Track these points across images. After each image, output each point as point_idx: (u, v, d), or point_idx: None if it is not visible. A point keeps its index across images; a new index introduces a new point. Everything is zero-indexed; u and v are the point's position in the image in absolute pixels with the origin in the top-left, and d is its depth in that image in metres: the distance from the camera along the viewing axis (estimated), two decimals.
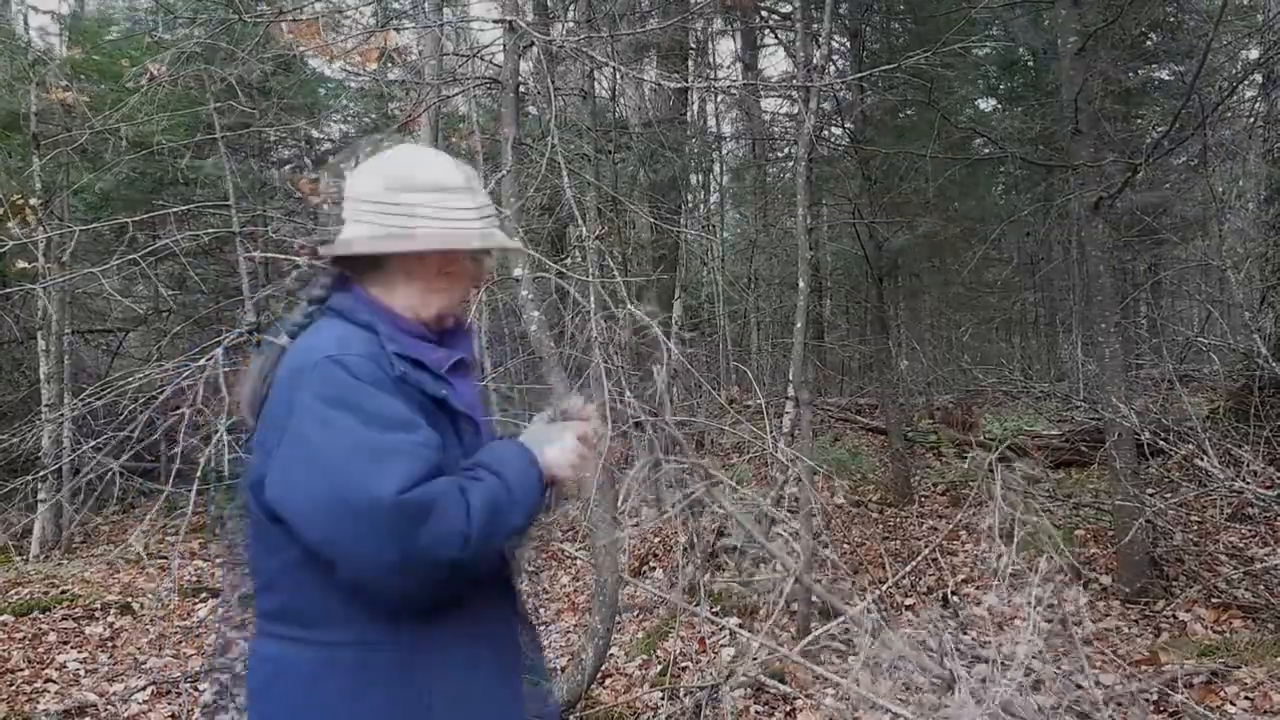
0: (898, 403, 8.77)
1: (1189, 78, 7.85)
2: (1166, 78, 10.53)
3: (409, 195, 1.51)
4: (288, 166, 9.25)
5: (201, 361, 3.61)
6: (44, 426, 7.30)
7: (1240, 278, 8.20)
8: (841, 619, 3.45)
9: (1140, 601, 5.03)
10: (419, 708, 1.42)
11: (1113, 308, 5.42)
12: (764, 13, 11.17)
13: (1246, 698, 3.69)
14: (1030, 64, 10.86)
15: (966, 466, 8.25)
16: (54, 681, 4.86)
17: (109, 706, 4.45)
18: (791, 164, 11.18)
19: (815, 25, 7.27)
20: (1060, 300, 13.78)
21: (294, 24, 5.22)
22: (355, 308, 1.52)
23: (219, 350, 3.62)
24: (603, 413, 3.04)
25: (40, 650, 5.36)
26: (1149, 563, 5.19)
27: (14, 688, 4.77)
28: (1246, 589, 4.99)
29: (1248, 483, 4.49)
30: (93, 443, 3.97)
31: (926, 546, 4.79)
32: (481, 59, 7.61)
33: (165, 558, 6.94)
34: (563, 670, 4.41)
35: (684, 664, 4.40)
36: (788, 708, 3.88)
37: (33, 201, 7.06)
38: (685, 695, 3.79)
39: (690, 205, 13.16)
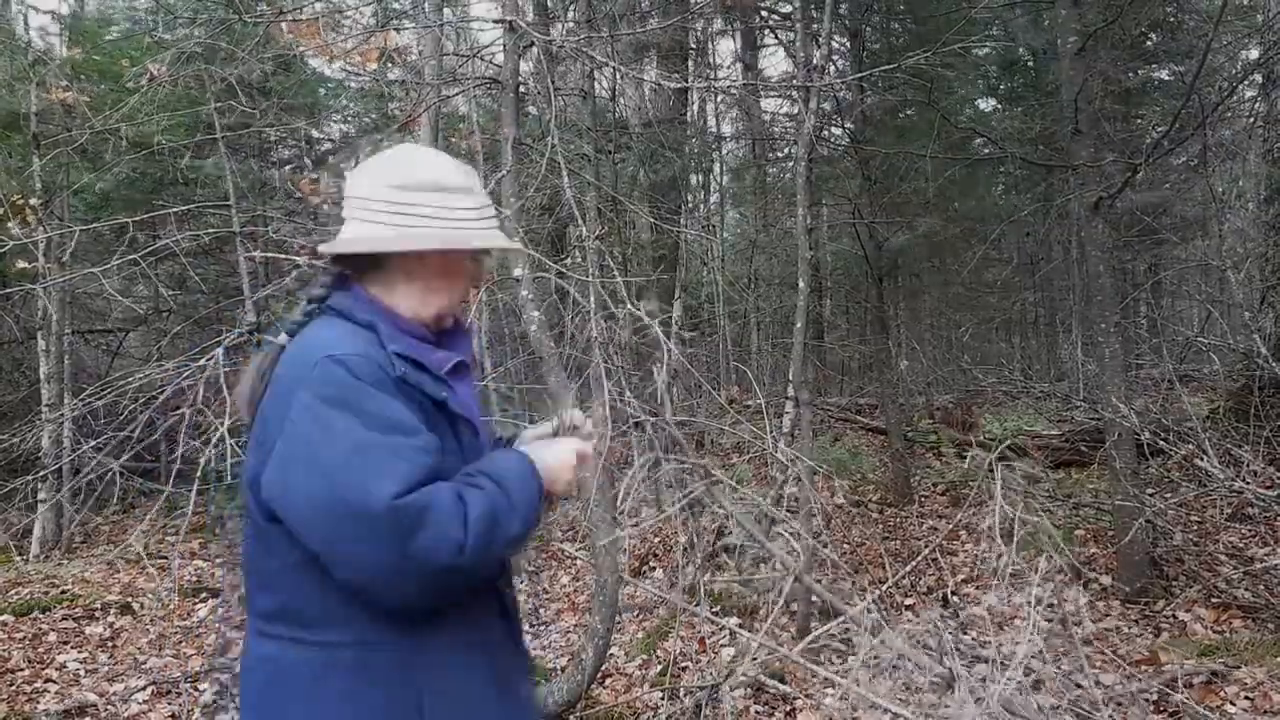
0: (898, 403, 8.77)
1: (1189, 78, 7.85)
2: (1166, 78, 10.53)
3: (410, 195, 1.51)
4: (289, 168, 9.24)
5: (201, 361, 3.62)
6: (44, 426, 7.31)
7: (1240, 278, 8.20)
8: (842, 619, 3.45)
9: (1140, 601, 5.03)
10: (412, 710, 1.42)
11: (1113, 308, 5.42)
12: (764, 13, 11.17)
13: (1246, 698, 3.69)
14: (1030, 64, 10.87)
15: (966, 466, 8.25)
16: (54, 681, 4.86)
17: (109, 706, 4.45)
18: (791, 164, 11.18)
19: (815, 25, 7.27)
20: (1060, 300, 13.78)
21: (294, 24, 5.22)
22: (355, 307, 1.52)
23: (219, 350, 3.62)
24: (603, 413, 3.04)
25: (40, 650, 5.36)
26: (1149, 563, 5.19)
27: (14, 688, 4.77)
28: (1246, 589, 4.99)
29: (1248, 483, 4.49)
30: (93, 443, 3.97)
31: (926, 546, 4.79)
32: (481, 59, 7.61)
33: (165, 558, 6.94)
34: (563, 670, 4.41)
35: (684, 664, 4.40)
36: (788, 708, 3.88)
37: (33, 201, 7.07)
38: (685, 695, 3.79)
39: (690, 205, 13.16)
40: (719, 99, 12.89)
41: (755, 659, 3.88)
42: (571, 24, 7.81)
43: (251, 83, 7.34)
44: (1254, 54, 9.52)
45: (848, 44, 9.10)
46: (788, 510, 4.85)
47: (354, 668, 1.40)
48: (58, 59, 8.37)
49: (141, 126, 6.45)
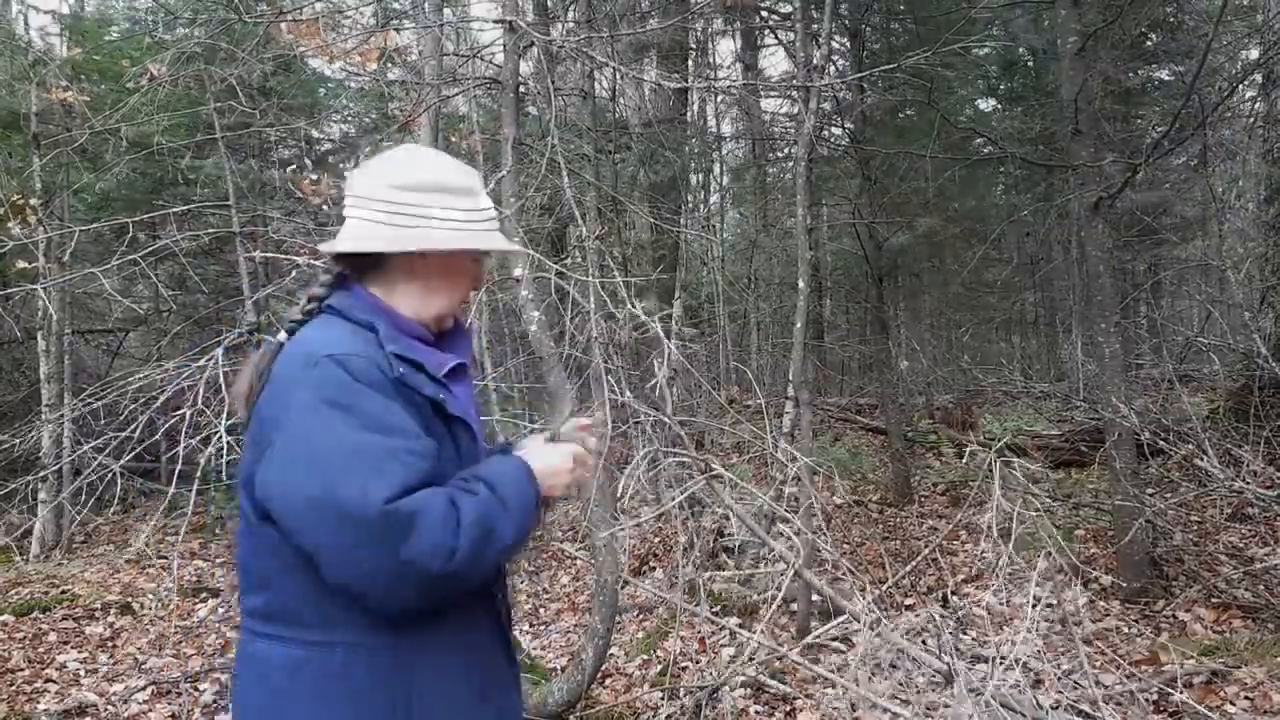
0: (898, 403, 8.77)
1: (1189, 78, 7.86)
2: (1166, 78, 10.54)
3: (411, 195, 1.51)
4: (289, 168, 9.24)
5: (202, 362, 3.61)
6: (44, 427, 7.31)
7: (1240, 278, 8.21)
8: (842, 618, 3.45)
9: (1140, 601, 5.03)
10: (400, 712, 1.41)
11: (1113, 308, 5.42)
12: (764, 13, 11.18)
13: (1246, 698, 3.69)
14: (1030, 64, 10.87)
15: (966, 465, 8.25)
16: (54, 681, 4.86)
17: (109, 706, 4.45)
18: (791, 164, 11.18)
19: (815, 25, 7.28)
20: (1060, 300, 13.78)
21: (294, 24, 5.22)
22: (355, 307, 1.51)
23: (219, 350, 3.62)
24: (603, 413, 3.05)
25: (40, 650, 5.36)
26: (1149, 563, 5.19)
27: (14, 688, 4.77)
28: (1246, 589, 4.99)
29: (1248, 483, 4.49)
30: (93, 443, 3.97)
31: (926, 546, 4.79)
32: (481, 59, 7.61)
33: (165, 558, 6.94)
34: (563, 670, 4.41)
35: (684, 664, 4.40)
36: (788, 708, 3.88)
37: (33, 201, 7.07)
38: (685, 695, 3.79)
39: (690, 205, 13.17)
40: (719, 99, 12.90)
41: (755, 659, 3.88)
42: (571, 24, 7.81)
43: (251, 83, 7.35)
44: (1254, 54, 9.52)
45: (848, 44, 9.10)
46: (788, 510, 4.85)
47: (342, 668, 1.40)
48: (58, 59, 8.37)
49: (141, 126, 6.45)
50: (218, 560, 7.25)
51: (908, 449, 8.48)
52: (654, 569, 6.36)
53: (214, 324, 9.31)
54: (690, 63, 10.24)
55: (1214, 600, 4.95)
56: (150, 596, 6.22)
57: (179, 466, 3.69)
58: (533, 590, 6.11)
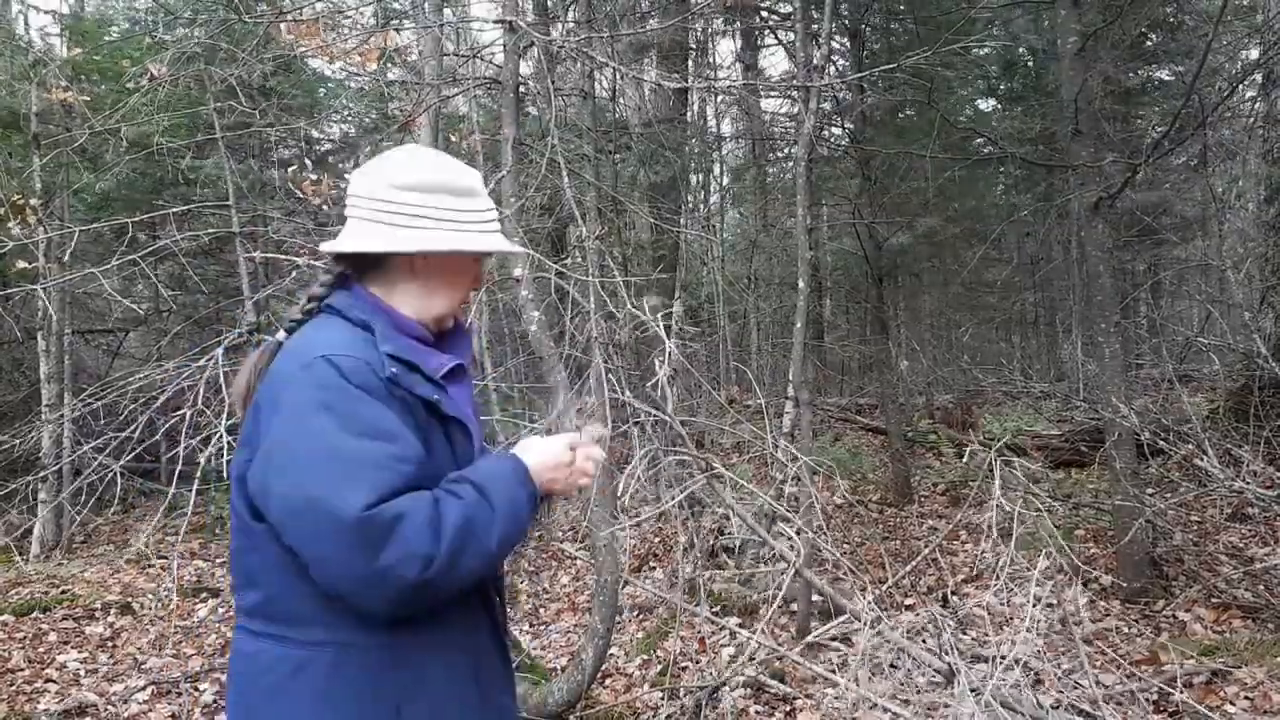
0: (898, 403, 8.77)
1: (1189, 78, 7.86)
2: (1166, 78, 10.54)
3: (412, 196, 1.51)
4: (290, 169, 9.24)
5: (202, 362, 3.61)
6: (44, 427, 7.31)
7: (1240, 278, 8.21)
8: (842, 618, 3.45)
9: (1140, 601, 5.03)
10: (390, 713, 1.41)
11: (1113, 308, 5.42)
12: (764, 13, 11.17)
13: (1246, 698, 3.69)
14: (1030, 64, 10.87)
15: (966, 465, 8.26)
16: (54, 681, 4.86)
17: (109, 706, 4.45)
18: (791, 164, 11.18)
19: (815, 25, 7.28)
20: (1060, 300, 13.78)
21: (294, 24, 5.22)
22: (353, 306, 1.51)
23: (219, 350, 3.62)
24: (603, 412, 3.05)
25: (40, 650, 5.36)
26: (1149, 563, 5.19)
27: (14, 688, 4.77)
28: (1246, 589, 4.99)
29: (1248, 483, 4.49)
30: (93, 443, 3.97)
31: (926, 546, 4.79)
32: (481, 59, 7.61)
33: (165, 558, 6.94)
34: (563, 670, 4.41)
35: (684, 664, 4.40)
36: (787, 708, 3.88)
37: (33, 201, 7.07)
38: (685, 695, 3.79)
39: (690, 205, 13.16)
40: (719, 99, 12.91)
41: (755, 659, 3.88)
42: (571, 24, 7.81)
43: (251, 83, 7.34)
44: (1254, 54, 9.52)
45: (848, 44, 9.11)
46: (788, 509, 4.85)
47: (332, 668, 1.39)
48: (58, 59, 8.37)
49: (141, 127, 6.44)
50: (218, 560, 7.24)
51: (908, 449, 8.48)
52: (654, 569, 6.36)
53: (214, 324, 9.31)
54: (690, 63, 10.23)
55: (1214, 600, 4.95)
56: (150, 596, 6.22)
57: (179, 466, 3.69)
58: (533, 590, 6.11)
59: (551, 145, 3.87)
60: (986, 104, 12.33)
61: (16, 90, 7.93)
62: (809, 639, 4.03)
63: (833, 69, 8.33)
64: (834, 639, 4.09)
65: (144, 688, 4.66)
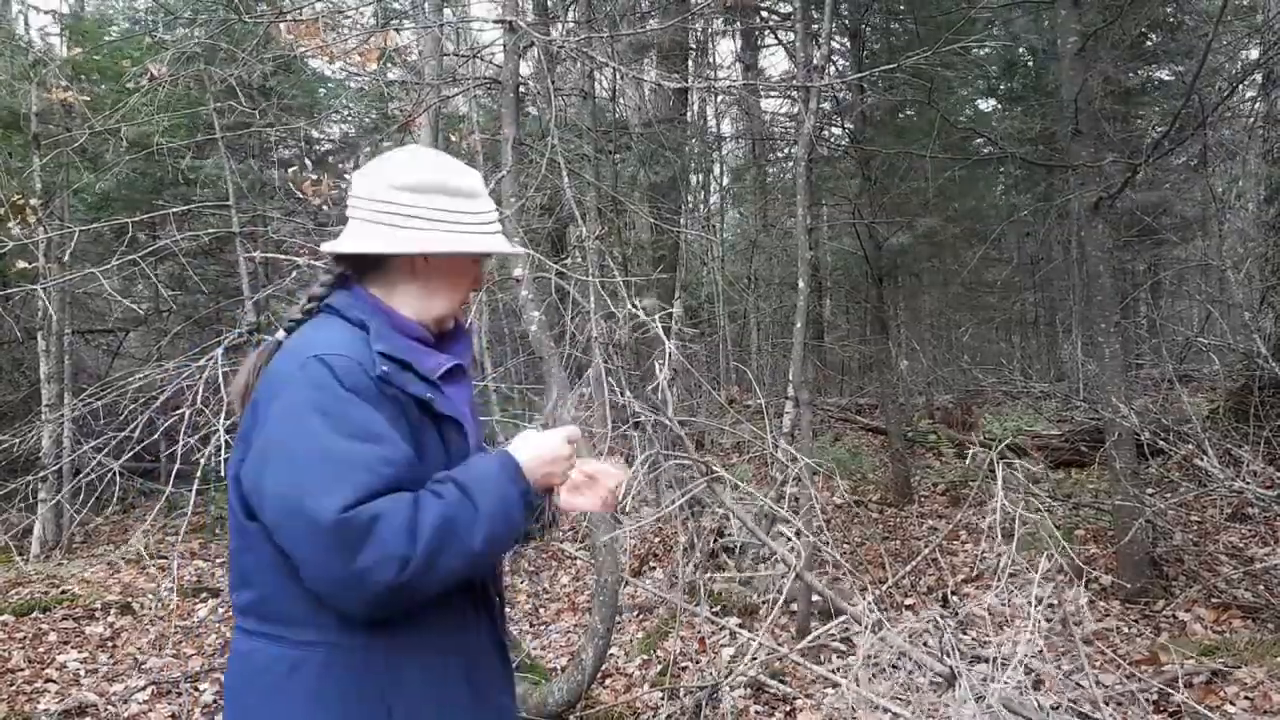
0: (898, 403, 8.77)
1: (1189, 78, 7.86)
2: (1166, 78, 10.53)
3: (412, 197, 1.51)
4: (290, 169, 9.24)
5: (201, 361, 3.61)
6: (44, 427, 7.31)
7: (1240, 278, 8.21)
8: (842, 618, 3.45)
9: (1140, 601, 5.03)
10: (381, 714, 1.41)
11: (1113, 308, 5.42)
12: (764, 13, 11.17)
13: (1246, 698, 3.69)
14: (1030, 64, 10.87)
15: (966, 466, 8.26)
16: (54, 681, 4.86)
17: (109, 706, 4.45)
18: (791, 164, 11.18)
19: (815, 25, 7.28)
20: (1060, 300, 13.78)
21: (294, 24, 5.22)
22: (351, 305, 1.52)
23: (219, 350, 3.62)
24: (603, 412, 3.05)
25: (40, 650, 5.36)
26: (1149, 563, 5.19)
27: (14, 688, 4.77)
28: (1246, 589, 4.99)
29: (1248, 483, 4.49)
30: (93, 443, 3.97)
31: (926, 546, 4.79)
32: (481, 59, 7.61)
33: (165, 558, 6.94)
34: (563, 670, 4.41)
35: (684, 664, 4.40)
36: (787, 708, 3.88)
37: (33, 201, 7.06)
38: (685, 695, 3.79)
39: (690, 205, 13.16)
40: (719, 99, 12.90)
41: (755, 659, 3.88)
42: (571, 24, 7.81)
43: (251, 83, 7.34)
44: (1254, 54, 9.52)
45: (848, 44, 9.10)
46: (788, 510, 4.85)
47: (324, 668, 1.39)
48: (58, 59, 8.37)
49: (141, 126, 6.44)
50: (218, 560, 7.24)
51: (908, 449, 8.48)
52: (654, 569, 6.36)
53: (214, 324, 9.31)
54: (690, 63, 10.23)
55: (1214, 600, 4.95)
56: (150, 596, 6.22)
57: (178, 466, 3.69)
58: (533, 590, 6.10)
59: (551, 145, 3.86)
60: (986, 104, 12.33)
61: (16, 90, 7.93)
62: (809, 640, 4.03)
63: (833, 69, 8.33)
64: (835, 637, 4.09)
65: (144, 688, 4.66)
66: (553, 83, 4.37)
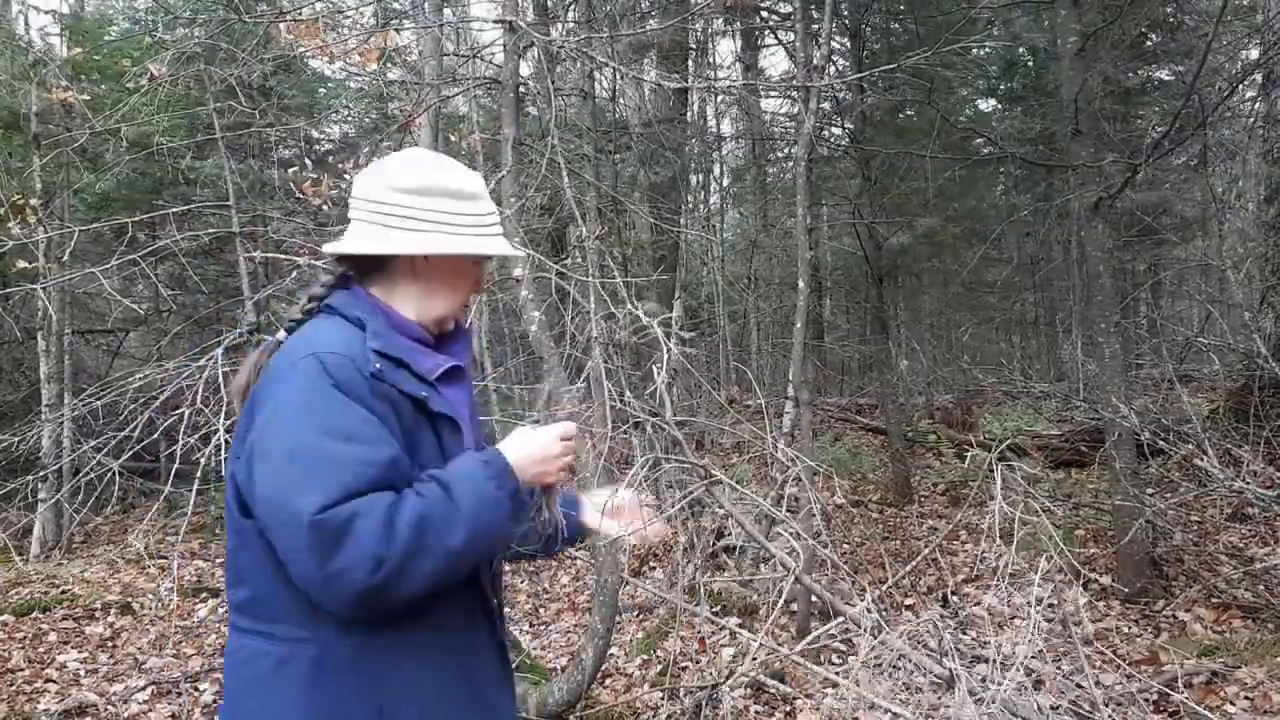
0: (897, 403, 8.77)
1: (1189, 78, 7.86)
2: (1166, 78, 10.53)
3: (413, 199, 1.52)
4: (290, 169, 9.24)
5: (201, 361, 3.61)
6: (44, 426, 7.31)
7: (1240, 278, 8.20)
8: (841, 619, 3.44)
9: (1140, 601, 5.03)
10: (371, 713, 1.40)
11: (1113, 308, 5.42)
12: (764, 13, 11.17)
13: (1246, 698, 3.69)
14: (1030, 64, 10.87)
15: (966, 466, 8.25)
16: (54, 681, 4.86)
17: (109, 706, 4.45)
18: (791, 164, 11.18)
19: (815, 25, 7.27)
20: (1060, 300, 13.78)
21: (294, 24, 5.22)
22: (350, 304, 1.52)
23: (219, 350, 3.62)
24: (603, 413, 3.04)
25: (40, 650, 5.36)
26: (1149, 563, 5.19)
27: (14, 688, 4.77)
28: (1246, 589, 4.99)
29: (1248, 483, 4.49)
30: (93, 443, 3.96)
31: (926, 546, 4.79)
32: (481, 59, 7.61)
33: (165, 558, 6.94)
34: (563, 670, 4.41)
35: (684, 664, 4.40)
36: (787, 708, 3.88)
37: (33, 201, 7.06)
38: (685, 695, 3.79)
39: (690, 205, 13.16)
40: (719, 99, 12.90)
41: (755, 659, 3.88)
42: (571, 24, 7.81)
43: (251, 83, 7.33)
44: (1254, 54, 9.52)
45: (848, 44, 9.10)
46: (788, 510, 4.85)
47: (314, 665, 1.39)
48: (58, 59, 8.37)
49: (141, 126, 6.44)
50: (218, 560, 7.24)
51: (908, 449, 8.48)
52: (654, 569, 6.36)
53: (214, 324, 9.31)
54: (690, 63, 10.23)
55: (1214, 600, 4.95)
56: (150, 596, 6.22)
57: (178, 466, 3.69)
58: (533, 590, 6.10)
59: (551, 145, 3.86)
60: (986, 104, 12.33)
61: (16, 90, 7.93)
62: (809, 640, 4.03)
63: (833, 69, 8.32)
64: (834, 637, 4.09)
65: (144, 688, 4.66)
66: (553, 83, 4.37)
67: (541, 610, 5.81)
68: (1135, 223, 9.33)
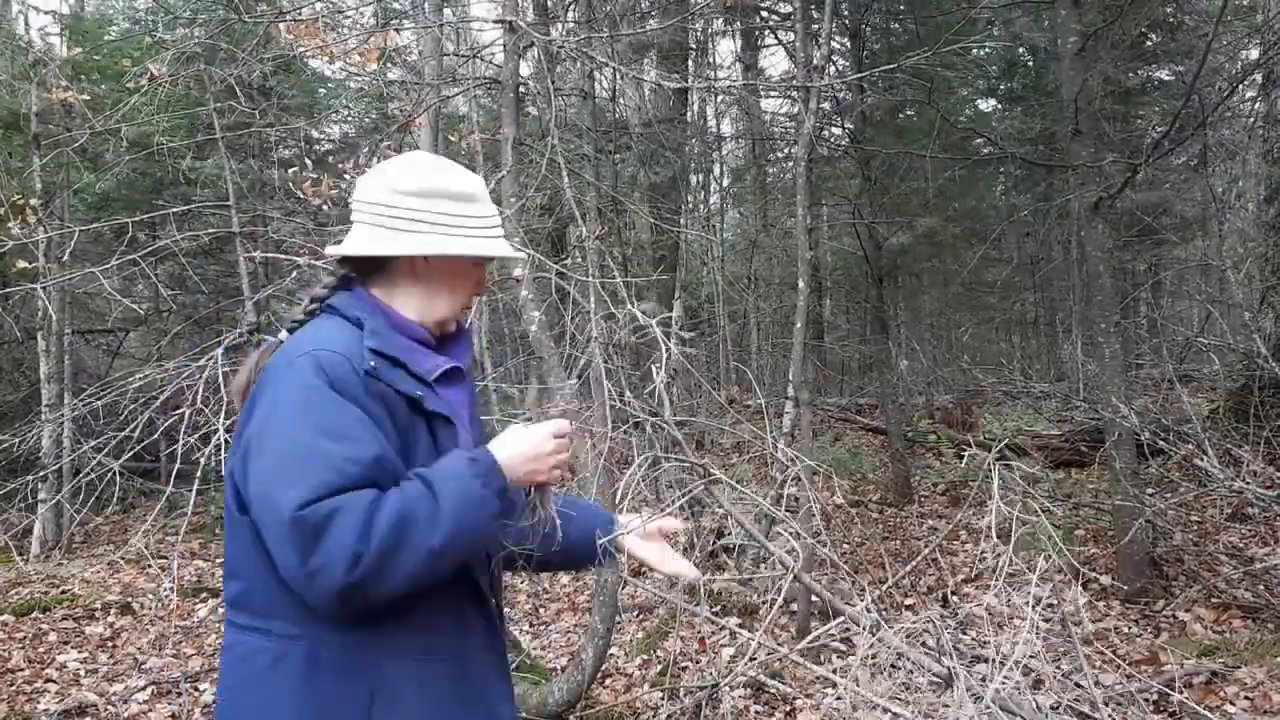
0: (897, 403, 8.77)
1: (1189, 78, 7.85)
2: (1166, 78, 10.53)
3: (414, 201, 1.52)
4: (290, 169, 9.24)
5: (201, 361, 3.61)
6: (44, 426, 7.31)
7: (1240, 278, 8.21)
8: (841, 619, 3.44)
9: (1140, 601, 5.03)
10: (361, 710, 1.40)
11: (1113, 308, 5.42)
12: (764, 13, 11.17)
13: (1246, 698, 3.69)
14: (1030, 64, 10.87)
15: (966, 466, 8.25)
16: (54, 681, 4.86)
17: (109, 706, 4.45)
18: (791, 164, 11.18)
19: (815, 25, 7.28)
20: (1060, 300, 13.78)
21: (294, 24, 5.22)
22: (350, 304, 1.53)
23: (219, 350, 3.62)
24: (603, 412, 3.04)
25: (40, 650, 5.36)
26: (1149, 563, 5.19)
27: (14, 688, 4.77)
28: (1246, 589, 4.99)
29: (1248, 483, 4.49)
30: (93, 443, 3.96)
31: (926, 546, 4.79)
32: (481, 59, 7.61)
33: (165, 558, 6.94)
34: (563, 670, 4.41)
35: (684, 664, 4.40)
36: (787, 708, 3.88)
37: (33, 201, 7.06)
38: (685, 695, 3.79)
39: (690, 205, 13.16)
40: (719, 99, 12.90)
41: (755, 659, 3.88)
42: (571, 24, 7.81)
43: (251, 83, 7.33)
44: (1254, 54, 9.52)
45: (848, 44, 9.10)
46: (787, 510, 4.85)
47: (306, 662, 1.39)
48: (58, 59, 8.37)
49: (141, 126, 6.44)
50: (218, 560, 7.24)
51: (908, 449, 8.48)
52: (654, 569, 6.35)
53: (214, 324, 9.32)
54: (690, 63, 10.23)
55: (1214, 600, 4.95)
56: (150, 596, 6.22)
57: (178, 466, 3.69)
58: (533, 590, 6.10)
59: (551, 145, 3.86)
60: (986, 104, 12.33)
61: (16, 90, 7.93)
62: (808, 640, 4.03)
63: (833, 69, 8.32)
64: (834, 637, 4.09)
65: (144, 688, 4.66)
66: (553, 83, 4.37)
67: (541, 610, 5.81)
68: (1135, 223, 9.33)
